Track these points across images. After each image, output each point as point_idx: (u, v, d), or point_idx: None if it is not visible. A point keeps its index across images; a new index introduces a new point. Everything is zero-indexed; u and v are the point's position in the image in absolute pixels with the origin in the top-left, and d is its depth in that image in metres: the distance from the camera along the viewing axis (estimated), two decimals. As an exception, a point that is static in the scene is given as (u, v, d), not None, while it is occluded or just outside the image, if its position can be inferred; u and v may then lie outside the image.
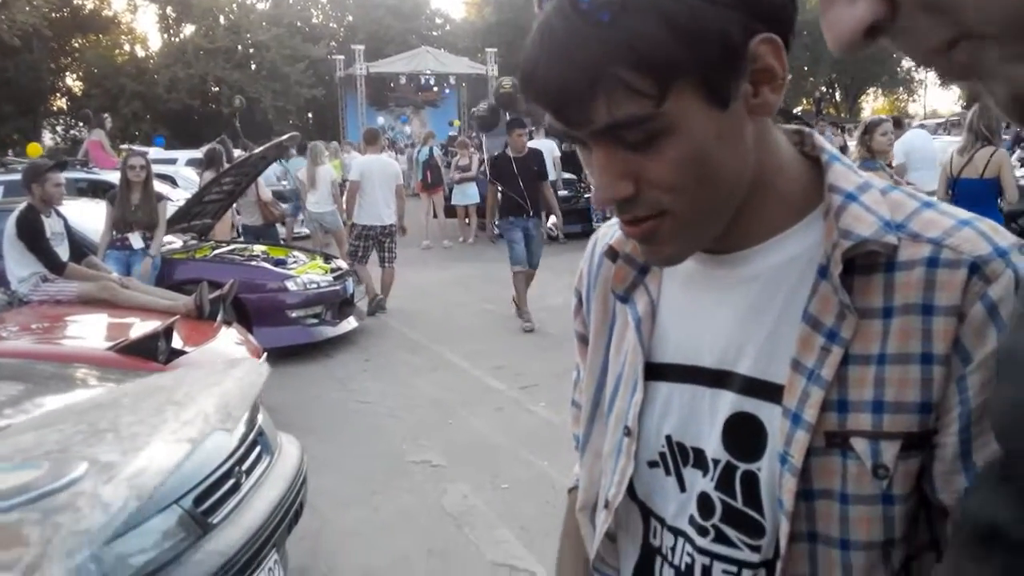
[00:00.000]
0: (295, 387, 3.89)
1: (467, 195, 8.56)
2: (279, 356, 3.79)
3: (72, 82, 23.10)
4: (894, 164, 4.48)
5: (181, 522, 1.43)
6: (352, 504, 2.67)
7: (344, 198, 5.90)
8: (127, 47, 23.92)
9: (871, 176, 0.51)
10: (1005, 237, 0.46)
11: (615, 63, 0.42)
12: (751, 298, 0.50)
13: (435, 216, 8.66)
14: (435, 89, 19.84)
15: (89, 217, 4.43)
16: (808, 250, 0.49)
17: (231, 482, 1.63)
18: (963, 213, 0.48)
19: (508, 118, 7.39)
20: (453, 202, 8.69)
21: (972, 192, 3.60)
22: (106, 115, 9.50)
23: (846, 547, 0.47)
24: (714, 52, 0.43)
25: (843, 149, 7.44)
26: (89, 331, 3.07)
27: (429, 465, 3.00)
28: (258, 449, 1.82)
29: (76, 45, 22.56)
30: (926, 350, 0.45)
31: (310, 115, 25.20)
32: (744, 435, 0.50)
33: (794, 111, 11.76)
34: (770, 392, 0.49)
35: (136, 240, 4.25)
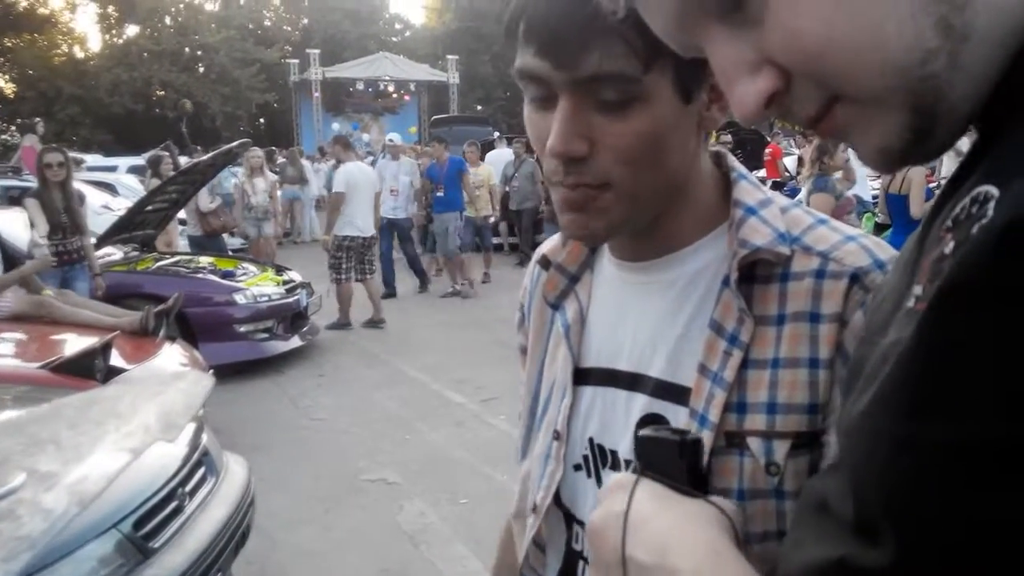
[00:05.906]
0: (244, 405, 3.76)
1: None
2: (227, 373, 3.66)
3: (4, 83, 21.85)
4: None
5: (119, 547, 1.37)
6: (303, 524, 2.60)
7: (327, 210, 5.61)
8: (65, 47, 22.80)
9: (775, 195, 0.55)
10: (886, 251, 0.50)
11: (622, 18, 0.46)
12: (666, 304, 0.54)
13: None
14: (394, 96, 19.64)
15: (20, 226, 4.18)
16: (717, 260, 0.53)
17: (173, 504, 1.57)
18: (852, 230, 0.53)
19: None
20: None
21: (896, 206, 3.92)
22: (38, 120, 9.03)
23: (744, 540, 0.50)
24: None
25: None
26: (20, 348, 2.89)
27: (384, 482, 2.95)
28: (202, 470, 1.76)
29: (9, 44, 21.36)
30: (813, 355, 0.48)
31: (262, 121, 24.58)
32: None
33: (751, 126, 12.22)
34: (677, 395, 0.52)
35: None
